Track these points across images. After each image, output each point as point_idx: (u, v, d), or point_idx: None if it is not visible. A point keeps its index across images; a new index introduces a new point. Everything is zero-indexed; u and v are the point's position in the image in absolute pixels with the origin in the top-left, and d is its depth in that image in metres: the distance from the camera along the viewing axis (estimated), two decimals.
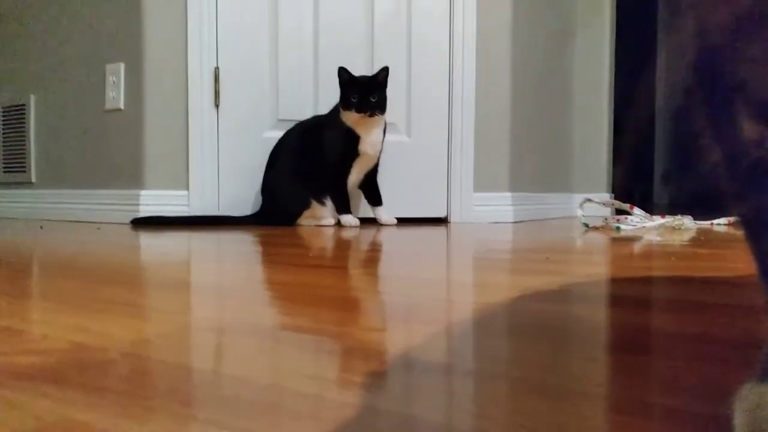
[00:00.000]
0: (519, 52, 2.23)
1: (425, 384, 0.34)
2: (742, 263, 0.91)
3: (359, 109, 1.83)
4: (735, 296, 0.64)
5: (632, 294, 0.66)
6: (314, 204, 1.89)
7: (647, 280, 0.75)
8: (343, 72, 1.85)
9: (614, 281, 0.76)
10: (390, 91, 1.93)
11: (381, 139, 1.92)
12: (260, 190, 1.96)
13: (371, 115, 1.85)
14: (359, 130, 1.87)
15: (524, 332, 0.47)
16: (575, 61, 2.84)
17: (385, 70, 1.87)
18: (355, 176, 1.93)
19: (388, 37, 2.12)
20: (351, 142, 1.87)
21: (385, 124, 1.94)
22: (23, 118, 2.33)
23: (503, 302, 0.61)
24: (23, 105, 2.32)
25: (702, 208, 1.92)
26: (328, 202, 1.91)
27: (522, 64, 2.26)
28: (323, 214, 1.91)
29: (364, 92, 1.83)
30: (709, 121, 0.23)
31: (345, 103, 1.85)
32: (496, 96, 2.16)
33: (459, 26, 2.12)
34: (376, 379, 0.35)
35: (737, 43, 0.21)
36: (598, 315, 0.55)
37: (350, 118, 1.85)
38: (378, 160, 1.95)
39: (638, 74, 2.73)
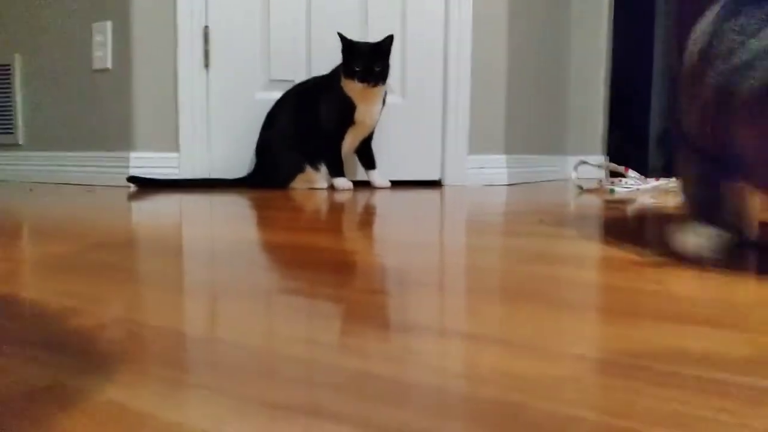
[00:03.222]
0: (516, 13, 2.19)
1: (420, 347, 0.34)
2: None
3: (362, 79, 1.77)
4: (725, 259, 0.64)
5: (625, 256, 0.66)
6: (308, 169, 1.88)
7: (639, 242, 0.75)
8: (344, 39, 1.78)
9: (606, 243, 0.76)
10: None
11: (380, 109, 1.89)
12: (254, 152, 1.94)
13: (374, 85, 1.80)
14: (359, 100, 1.82)
15: (517, 295, 0.47)
16: (572, 23, 2.79)
17: (389, 39, 1.80)
18: (350, 142, 1.90)
19: None
20: (348, 110, 1.83)
21: (385, 93, 1.90)
22: (9, 79, 2.28)
23: (497, 264, 0.61)
24: (8, 65, 2.27)
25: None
26: (322, 167, 1.89)
27: (519, 25, 2.22)
28: (317, 178, 1.89)
29: (368, 61, 1.77)
30: None
31: (347, 71, 1.79)
32: (492, 57, 2.13)
33: None
34: (371, 342, 0.35)
35: None
36: (590, 277, 0.55)
37: (353, 88, 1.80)
38: (374, 127, 1.93)
39: (636, 36, 2.69)
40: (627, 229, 0.92)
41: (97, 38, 1.97)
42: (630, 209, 1.09)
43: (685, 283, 0.53)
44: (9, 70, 2.27)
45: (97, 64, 1.98)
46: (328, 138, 1.87)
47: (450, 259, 0.65)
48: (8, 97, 2.29)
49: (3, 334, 0.36)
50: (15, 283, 0.51)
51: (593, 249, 0.72)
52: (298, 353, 0.33)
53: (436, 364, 0.32)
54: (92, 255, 0.65)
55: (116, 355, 0.33)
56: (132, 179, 1.79)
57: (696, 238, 0.65)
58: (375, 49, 1.79)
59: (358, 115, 1.84)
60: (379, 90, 1.83)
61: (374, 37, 2.03)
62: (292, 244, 0.75)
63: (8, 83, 2.28)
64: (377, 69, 1.78)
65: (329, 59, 1.95)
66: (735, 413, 0.26)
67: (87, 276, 0.54)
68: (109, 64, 1.95)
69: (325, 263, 0.61)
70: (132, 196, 1.52)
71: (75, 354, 0.33)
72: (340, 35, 1.79)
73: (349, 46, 1.78)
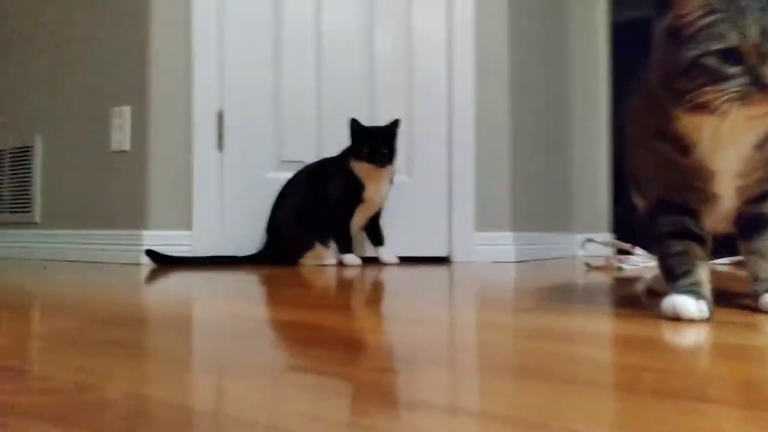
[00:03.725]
0: (518, 93, 2.27)
1: (429, 426, 0.34)
2: (741, 299, 0.91)
3: (371, 160, 1.84)
4: (740, 336, 0.64)
5: (634, 333, 0.65)
6: (318, 245, 1.90)
7: (649, 319, 0.75)
8: (354, 123, 1.86)
9: (615, 319, 0.75)
10: None
11: (387, 188, 1.95)
12: (265, 230, 1.97)
13: (382, 167, 1.86)
14: (367, 180, 1.88)
15: (528, 372, 0.47)
16: (574, 102, 2.88)
17: (396, 122, 1.90)
18: (358, 220, 1.94)
19: (389, 78, 2.17)
20: (357, 189, 1.89)
21: (393, 173, 1.95)
22: (29, 160, 2.36)
23: (507, 342, 0.61)
24: (30, 147, 2.36)
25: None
26: (332, 244, 1.92)
27: (521, 105, 2.30)
28: (326, 255, 1.91)
29: (377, 144, 1.85)
30: None
31: (356, 154, 1.86)
32: (495, 136, 2.19)
33: (458, 66, 2.17)
34: (379, 420, 0.35)
35: None
36: (602, 355, 0.55)
37: (361, 168, 1.87)
38: (382, 205, 1.97)
39: None
40: (635, 305, 0.92)
41: (116, 122, 2.05)
42: (637, 286, 1.09)
43: (691, 359, 0.52)
44: (30, 151, 2.36)
45: (115, 146, 2.06)
46: (337, 216, 1.91)
47: (459, 336, 0.65)
48: (28, 176, 2.36)
49: (13, 408, 0.37)
50: (26, 358, 0.52)
51: (603, 325, 0.72)
52: (307, 431, 0.33)
53: None
54: (103, 331, 0.66)
55: (125, 431, 0.33)
56: (149, 253, 1.83)
57: (681, 302, 0.71)
58: (383, 132, 1.86)
59: (367, 194, 1.89)
60: (387, 171, 1.89)
61: (381, 120, 2.11)
62: (301, 321, 0.75)
63: (28, 164, 2.36)
64: (385, 151, 1.85)
65: (338, 141, 2.02)
66: None
67: (97, 351, 0.54)
68: (127, 147, 2.02)
69: (334, 341, 0.62)
70: (144, 274, 1.54)
71: (84, 429, 0.33)
72: (351, 120, 1.86)
73: (358, 130, 1.86)
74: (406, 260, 2.07)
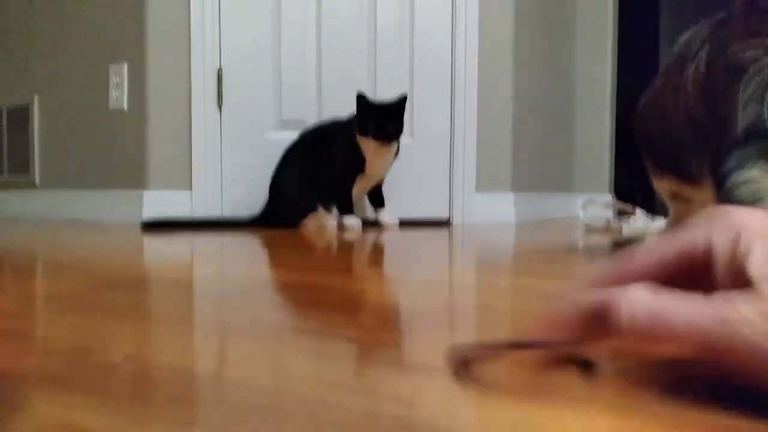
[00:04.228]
0: (521, 54, 2.23)
1: (430, 388, 0.34)
2: None
3: (376, 137, 1.80)
4: None
5: None
6: (320, 209, 1.89)
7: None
8: (361, 98, 1.81)
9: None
10: (393, 93, 1.92)
11: (391, 162, 1.92)
12: (268, 189, 1.96)
13: (388, 144, 1.83)
14: (371, 156, 1.85)
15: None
16: (577, 63, 2.84)
17: (403, 99, 1.84)
18: (360, 188, 1.93)
19: (391, 38, 2.12)
20: (359, 162, 1.86)
21: (398, 147, 1.92)
22: (27, 119, 2.33)
23: (507, 304, 0.61)
24: (27, 106, 2.33)
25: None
26: (333, 207, 1.92)
27: (524, 66, 2.26)
28: (328, 217, 1.91)
29: (383, 120, 1.80)
30: None
31: (361, 128, 1.82)
32: (498, 97, 2.16)
33: (461, 27, 2.12)
34: (381, 382, 0.35)
35: None
36: None
37: (366, 144, 1.83)
38: (384, 176, 1.95)
39: (640, 74, 2.73)
40: None
41: (114, 80, 2.02)
42: (637, 248, 1.09)
43: None
44: (27, 110, 2.33)
45: (113, 105, 2.03)
46: (339, 182, 1.90)
47: (460, 299, 0.65)
48: (26, 137, 2.34)
49: (14, 371, 0.37)
50: (26, 320, 0.52)
51: None
52: (308, 393, 0.33)
53: (447, 404, 0.32)
54: (104, 292, 0.66)
55: (127, 394, 0.33)
56: (146, 225, 1.78)
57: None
58: (389, 109, 1.82)
59: (369, 168, 1.87)
60: (392, 147, 1.86)
61: (383, 82, 2.07)
62: (303, 283, 0.75)
63: (26, 124, 2.34)
64: (391, 128, 1.81)
65: (339, 101, 1.99)
66: None
67: (98, 313, 0.54)
68: (124, 105, 2.00)
69: (335, 302, 0.62)
70: (145, 234, 1.54)
71: (86, 392, 0.33)
72: (358, 95, 1.81)
73: (365, 105, 1.81)
74: (406, 223, 2.07)
